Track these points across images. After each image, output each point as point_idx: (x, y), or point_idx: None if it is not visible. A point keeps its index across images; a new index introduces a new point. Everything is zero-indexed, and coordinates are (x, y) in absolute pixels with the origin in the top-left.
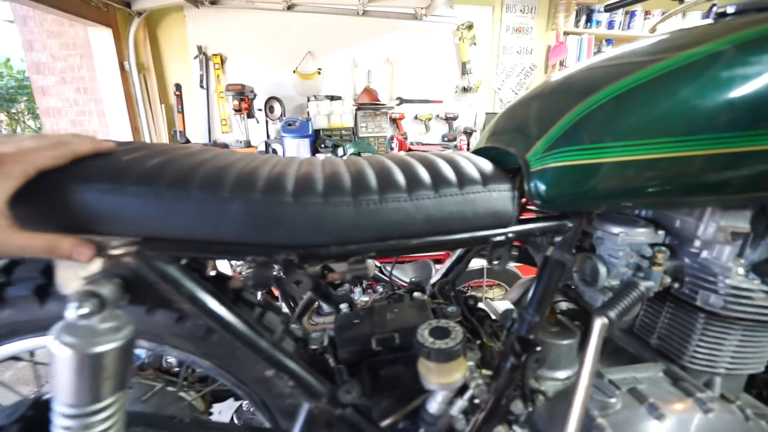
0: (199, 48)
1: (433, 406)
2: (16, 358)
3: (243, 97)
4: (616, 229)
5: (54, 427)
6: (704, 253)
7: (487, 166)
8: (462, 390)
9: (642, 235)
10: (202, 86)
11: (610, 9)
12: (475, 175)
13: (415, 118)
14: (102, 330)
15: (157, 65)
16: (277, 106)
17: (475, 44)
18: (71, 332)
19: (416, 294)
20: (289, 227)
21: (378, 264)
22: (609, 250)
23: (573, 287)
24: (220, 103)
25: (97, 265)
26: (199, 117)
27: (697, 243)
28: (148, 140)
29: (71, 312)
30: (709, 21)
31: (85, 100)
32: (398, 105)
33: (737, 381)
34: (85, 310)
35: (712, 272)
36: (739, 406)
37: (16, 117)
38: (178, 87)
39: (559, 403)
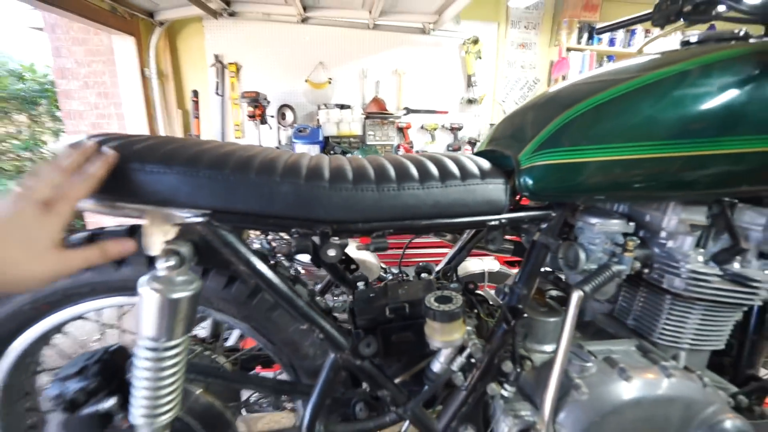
0: (216, 57)
1: (437, 365)
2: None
3: (257, 104)
4: (593, 220)
5: (137, 358)
6: (669, 243)
7: (485, 164)
8: (461, 350)
9: (615, 225)
10: (217, 93)
11: (600, 32)
12: (475, 170)
13: (422, 127)
14: (179, 282)
15: (175, 72)
16: (289, 113)
17: (480, 58)
18: (158, 281)
19: (423, 275)
20: (325, 206)
21: (384, 266)
22: (588, 239)
23: (564, 279)
24: (234, 110)
25: (175, 231)
26: (213, 122)
27: (663, 234)
28: None
29: (161, 264)
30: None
31: (106, 104)
32: (405, 115)
33: (701, 356)
34: (171, 263)
35: (675, 259)
36: (699, 375)
37: (36, 119)
38: (195, 93)
39: (544, 372)
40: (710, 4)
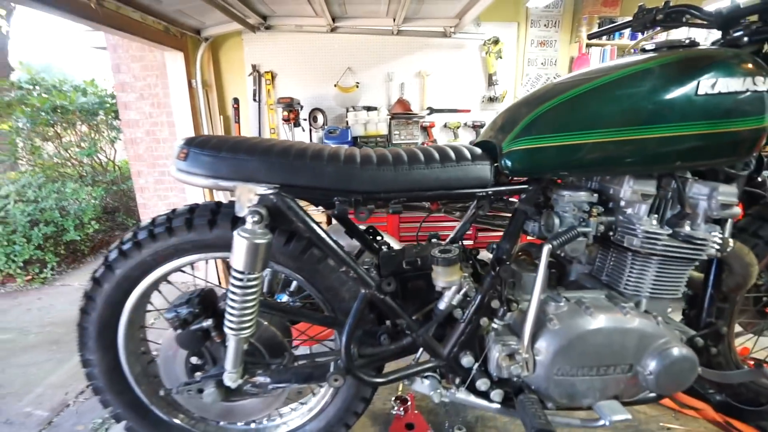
0: (253, 66)
1: (442, 304)
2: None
3: (291, 108)
4: (564, 193)
5: (230, 286)
6: (627, 209)
7: (476, 150)
8: (459, 289)
9: (582, 197)
10: (254, 99)
11: (591, 38)
12: (467, 155)
13: (445, 126)
14: (260, 233)
15: (217, 82)
16: (320, 116)
17: (501, 57)
18: (246, 231)
19: (434, 240)
20: (357, 181)
21: None
22: (561, 208)
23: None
24: (269, 114)
25: (256, 199)
26: (251, 126)
27: (622, 202)
28: None
29: (248, 220)
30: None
31: (158, 113)
32: (429, 114)
33: (661, 304)
34: (255, 219)
35: (632, 222)
36: (655, 316)
37: (96, 128)
38: (236, 101)
39: (524, 318)
40: (678, 14)
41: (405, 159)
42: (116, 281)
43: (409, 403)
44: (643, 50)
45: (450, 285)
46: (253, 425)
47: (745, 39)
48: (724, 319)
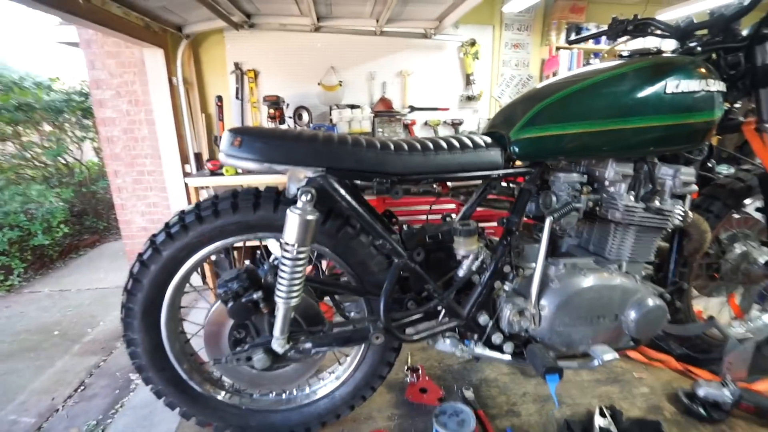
0: (236, 64)
1: (461, 271)
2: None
3: (277, 106)
4: (560, 175)
5: (281, 257)
6: (610, 188)
7: (488, 139)
8: (477, 257)
9: (574, 178)
10: (237, 97)
11: (572, 44)
12: (482, 143)
13: (425, 123)
14: (309, 210)
15: (199, 80)
16: (305, 114)
17: (477, 58)
18: (298, 209)
19: (449, 219)
20: (392, 165)
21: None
22: (557, 187)
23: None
24: (253, 112)
25: (305, 181)
26: (234, 124)
27: (607, 182)
28: (190, 145)
29: (303, 198)
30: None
31: (136, 111)
32: (410, 112)
33: (637, 266)
34: (307, 198)
35: (615, 198)
36: (634, 276)
37: (61, 127)
38: (219, 98)
39: (532, 277)
40: (645, 26)
41: (431, 146)
42: (163, 263)
43: (420, 371)
44: (620, 56)
45: (469, 253)
46: (284, 396)
47: (698, 48)
48: (685, 279)
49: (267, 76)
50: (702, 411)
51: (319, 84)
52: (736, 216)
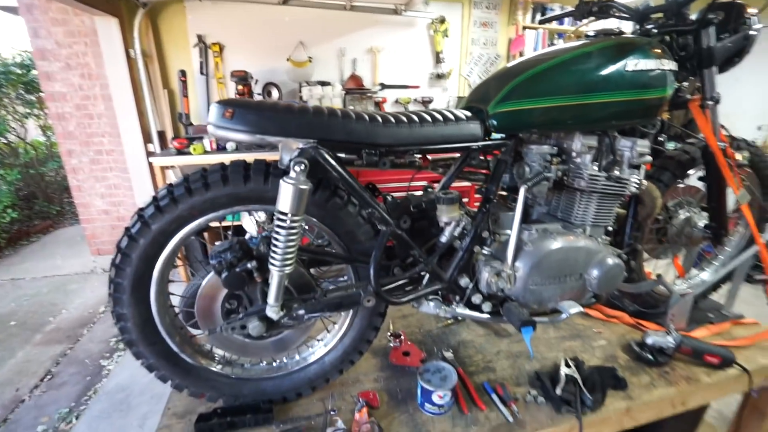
0: (199, 37)
1: (444, 237)
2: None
3: (246, 82)
4: (533, 147)
5: (276, 227)
6: (577, 159)
7: (468, 113)
8: (458, 224)
9: (545, 149)
10: (201, 73)
11: (542, 23)
12: (463, 117)
13: (396, 101)
14: (302, 180)
15: (159, 53)
16: (274, 91)
17: (447, 36)
18: (292, 178)
19: (429, 189)
20: (381, 136)
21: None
22: (530, 159)
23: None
24: (219, 88)
25: (297, 152)
26: (200, 100)
27: (574, 153)
28: (152, 123)
29: (297, 168)
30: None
31: (90, 85)
32: (381, 90)
33: (599, 230)
34: (300, 168)
35: (580, 168)
36: (596, 238)
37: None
38: (183, 73)
39: (507, 242)
40: (608, 8)
41: (416, 119)
42: (152, 236)
43: (402, 337)
44: (587, 36)
45: (451, 220)
46: (275, 364)
47: (654, 30)
48: (638, 242)
49: (233, 50)
50: (650, 356)
51: (288, 60)
52: (681, 185)
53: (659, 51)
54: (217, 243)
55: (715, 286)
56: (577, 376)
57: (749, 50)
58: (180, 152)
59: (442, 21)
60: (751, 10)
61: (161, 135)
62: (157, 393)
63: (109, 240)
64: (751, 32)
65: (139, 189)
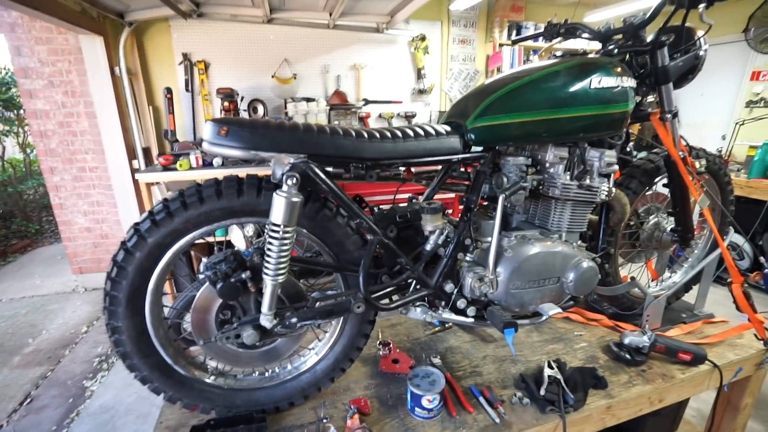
0: (185, 55)
1: (428, 245)
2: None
3: (231, 99)
4: (509, 159)
5: (268, 237)
6: (551, 169)
7: (448, 128)
8: (442, 232)
9: (521, 161)
10: (187, 90)
11: (515, 43)
12: (443, 131)
13: (380, 116)
14: (294, 193)
15: (144, 70)
16: (260, 107)
17: (428, 53)
18: (284, 192)
19: (414, 200)
20: (367, 151)
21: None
22: (507, 169)
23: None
24: (204, 105)
25: (288, 167)
26: (185, 117)
27: (547, 164)
28: (137, 139)
29: (288, 182)
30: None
31: (73, 102)
32: (364, 105)
33: (574, 236)
34: (292, 181)
35: (554, 178)
36: (571, 243)
37: None
38: (168, 90)
39: (489, 248)
40: (574, 29)
41: (400, 135)
42: (148, 249)
43: (391, 345)
44: (555, 56)
45: (435, 229)
46: (267, 374)
47: (615, 51)
48: (611, 246)
49: (218, 67)
50: (627, 356)
51: (273, 77)
52: (650, 192)
53: (620, 69)
54: (210, 256)
55: (686, 287)
56: (559, 376)
57: (700, 68)
58: (166, 168)
59: (423, 38)
60: (699, 33)
61: (146, 152)
62: (143, 413)
63: (92, 258)
64: (700, 52)
65: (123, 206)
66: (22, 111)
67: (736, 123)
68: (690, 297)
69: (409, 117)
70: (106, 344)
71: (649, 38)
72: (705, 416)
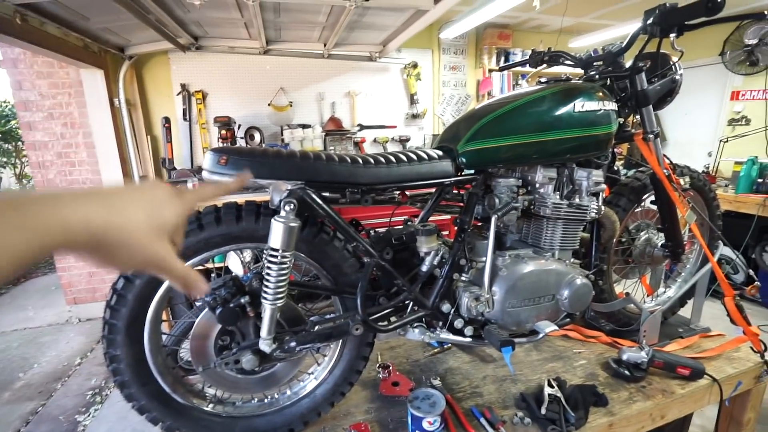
0: (183, 85)
1: (424, 266)
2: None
3: (228, 127)
4: (500, 180)
5: (267, 262)
6: (541, 189)
7: (440, 152)
8: (437, 253)
9: (511, 182)
10: (185, 119)
11: (503, 70)
12: (435, 156)
13: (374, 141)
14: (292, 218)
15: (143, 101)
16: (256, 134)
17: (420, 79)
18: (282, 217)
19: (409, 223)
20: (361, 176)
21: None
22: (498, 191)
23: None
24: (202, 134)
25: (286, 193)
26: (183, 146)
27: (537, 184)
28: (135, 168)
29: (286, 208)
30: (539, 85)
31: (72, 133)
32: (359, 131)
33: (566, 253)
34: (290, 207)
35: (544, 198)
36: (564, 261)
37: None
38: (166, 120)
39: (483, 269)
40: (557, 57)
41: (393, 160)
42: (147, 277)
43: (390, 367)
44: (539, 82)
45: (431, 250)
46: (266, 400)
47: (596, 76)
48: (605, 263)
49: (215, 97)
50: (627, 372)
51: (269, 105)
52: (639, 209)
53: (601, 94)
54: (209, 282)
55: (681, 302)
56: (560, 395)
57: (678, 91)
58: None
59: (415, 66)
60: (674, 58)
61: (143, 180)
62: None
63: (86, 288)
64: (676, 76)
65: None
66: (20, 143)
67: (720, 140)
68: (686, 312)
69: (403, 141)
70: (99, 376)
71: (628, 64)
72: None
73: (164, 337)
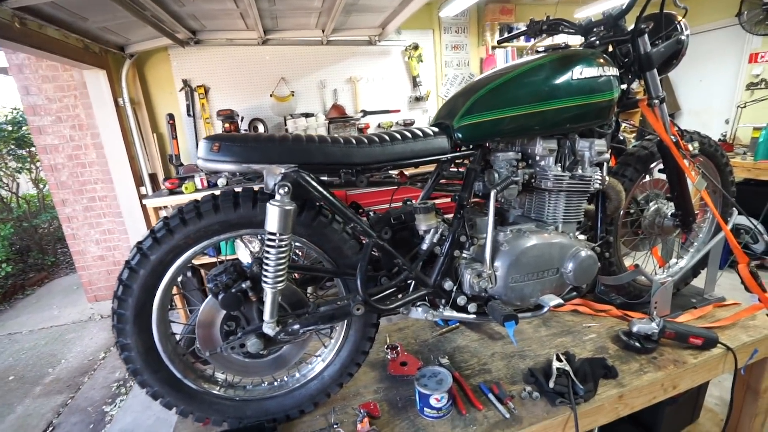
0: (185, 81)
1: (424, 245)
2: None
3: (232, 120)
4: (499, 155)
5: (266, 246)
6: (541, 162)
7: (436, 129)
8: (437, 230)
9: (511, 156)
10: (189, 114)
11: (501, 42)
12: (431, 132)
13: (378, 126)
14: (287, 201)
15: (146, 99)
16: (260, 126)
17: (422, 61)
18: (278, 201)
19: (409, 203)
20: (356, 156)
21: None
22: (498, 165)
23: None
24: (206, 128)
25: (281, 176)
26: (188, 141)
27: (537, 157)
28: (143, 166)
29: (280, 191)
30: (538, 54)
31: (81, 135)
32: (363, 116)
33: (571, 226)
34: (284, 190)
35: (545, 170)
36: (568, 234)
37: None
38: (171, 116)
39: (484, 245)
40: (556, 25)
41: (388, 138)
42: (151, 266)
43: (399, 348)
44: (537, 51)
45: (430, 228)
46: (276, 383)
47: (597, 42)
48: (612, 235)
49: (217, 91)
50: (637, 344)
51: (271, 95)
52: (647, 179)
53: (601, 60)
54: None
55: (694, 272)
56: (568, 368)
57: (684, 53)
58: (172, 192)
59: (416, 47)
60: (679, 18)
61: (153, 177)
62: None
63: (106, 285)
64: (682, 37)
65: (133, 232)
66: (33, 148)
67: (738, 106)
68: (700, 282)
69: (408, 124)
70: (123, 369)
71: (630, 27)
72: (728, 403)
73: (181, 327)
